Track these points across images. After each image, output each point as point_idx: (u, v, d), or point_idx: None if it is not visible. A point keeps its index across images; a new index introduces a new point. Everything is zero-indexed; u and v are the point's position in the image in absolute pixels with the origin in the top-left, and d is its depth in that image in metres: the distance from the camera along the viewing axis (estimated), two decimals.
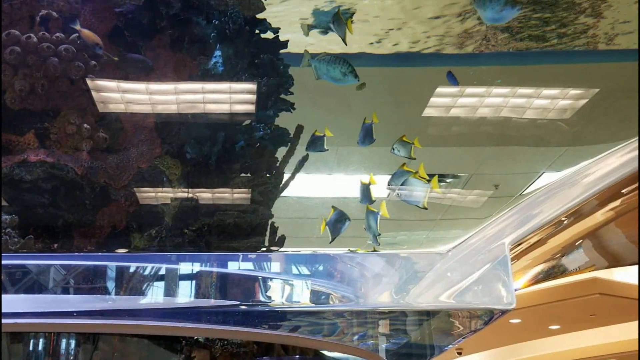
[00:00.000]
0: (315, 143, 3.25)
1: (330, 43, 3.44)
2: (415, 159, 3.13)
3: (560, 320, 9.76)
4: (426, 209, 3.04)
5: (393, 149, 3.16)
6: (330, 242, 3.09)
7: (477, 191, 3.88)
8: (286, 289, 3.09)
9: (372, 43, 3.56)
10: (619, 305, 8.49)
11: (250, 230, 3.41)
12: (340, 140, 3.68)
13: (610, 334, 10.09)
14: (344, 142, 3.72)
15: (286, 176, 3.53)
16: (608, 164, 2.95)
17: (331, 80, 2.98)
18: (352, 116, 3.66)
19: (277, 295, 3.07)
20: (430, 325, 3.60)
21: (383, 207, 3.11)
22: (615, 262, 4.31)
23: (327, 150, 3.24)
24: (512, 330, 10.07)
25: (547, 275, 4.14)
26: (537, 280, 4.15)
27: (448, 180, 3.93)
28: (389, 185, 3.14)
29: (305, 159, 3.52)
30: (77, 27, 3.07)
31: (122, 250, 3.30)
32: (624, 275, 8.16)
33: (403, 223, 4.02)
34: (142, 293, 2.92)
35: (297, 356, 3.53)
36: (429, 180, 3.03)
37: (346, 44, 2.91)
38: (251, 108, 3.44)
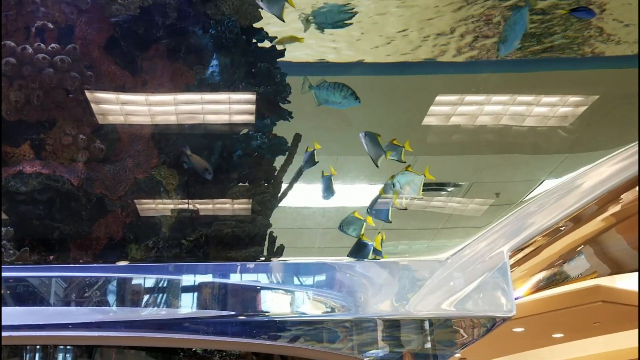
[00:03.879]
0: (307, 160, 3.27)
1: (328, 50, 3.44)
2: (405, 162, 3.13)
3: (564, 329, 9.74)
4: (422, 198, 3.05)
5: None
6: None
7: (478, 199, 3.87)
8: (285, 299, 3.07)
9: (371, 50, 3.56)
10: (622, 312, 8.47)
11: (248, 240, 3.39)
12: (339, 148, 3.67)
13: (614, 342, 10.06)
14: (343, 151, 3.71)
15: (284, 185, 3.51)
16: (607, 169, 2.93)
17: (333, 106, 2.99)
18: (351, 124, 3.65)
19: (276, 305, 3.05)
20: (431, 334, 3.57)
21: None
22: (617, 268, 4.29)
23: (318, 162, 3.26)
24: (515, 339, 10.06)
25: (549, 283, 4.12)
26: (539, 287, 4.13)
27: (449, 189, 3.92)
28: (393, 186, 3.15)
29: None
30: (188, 152, 3.23)
31: (122, 263, 3.29)
32: (627, 282, 8.14)
33: (404, 232, 4.01)
34: (139, 304, 2.90)
35: None
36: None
37: (283, 21, 2.87)
38: (248, 117, 3.43)
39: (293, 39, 3.17)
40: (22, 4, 3.02)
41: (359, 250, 3.18)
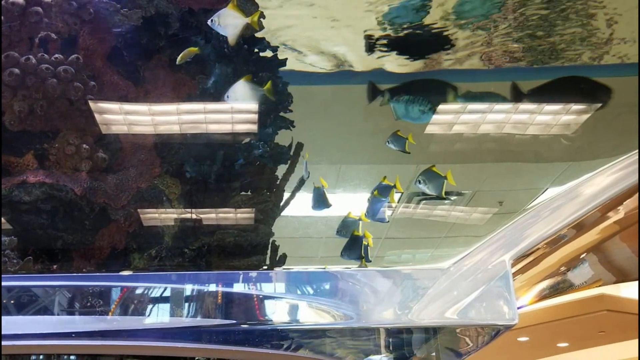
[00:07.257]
0: (306, 170, 3.29)
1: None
2: (409, 152, 3.15)
3: (569, 338, 9.69)
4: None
5: (388, 142, 3.19)
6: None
7: (481, 208, 3.86)
8: (287, 308, 3.06)
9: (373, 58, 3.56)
10: (627, 321, 8.42)
11: (250, 249, 3.40)
12: (341, 157, 3.67)
13: (620, 351, 10.00)
14: (346, 159, 3.72)
15: (287, 194, 3.52)
16: (608, 177, 2.93)
17: (410, 120, 3.00)
18: (354, 133, 3.66)
19: (279, 313, 3.05)
20: (434, 343, 3.57)
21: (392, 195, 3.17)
22: (622, 276, 4.27)
23: (309, 176, 3.28)
24: (520, 348, 10.01)
25: (553, 291, 4.10)
26: (543, 296, 4.12)
27: (452, 198, 3.92)
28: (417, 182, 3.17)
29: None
30: None
31: (126, 272, 3.30)
32: (632, 291, 8.09)
33: (407, 241, 4.01)
34: (141, 313, 2.90)
35: None
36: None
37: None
38: (250, 126, 3.43)
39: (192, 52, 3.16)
40: (25, 14, 3.04)
41: (352, 247, 3.19)
